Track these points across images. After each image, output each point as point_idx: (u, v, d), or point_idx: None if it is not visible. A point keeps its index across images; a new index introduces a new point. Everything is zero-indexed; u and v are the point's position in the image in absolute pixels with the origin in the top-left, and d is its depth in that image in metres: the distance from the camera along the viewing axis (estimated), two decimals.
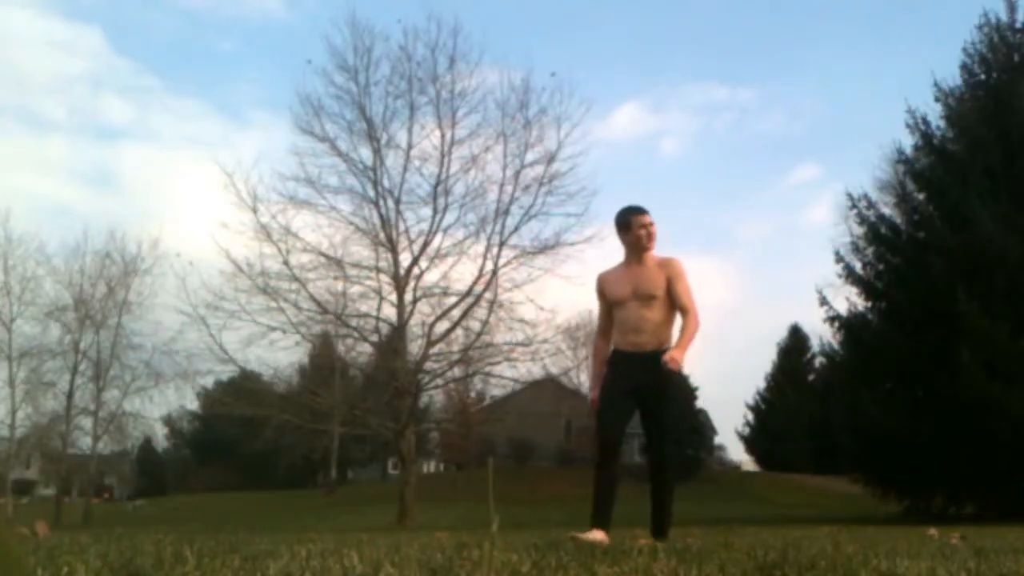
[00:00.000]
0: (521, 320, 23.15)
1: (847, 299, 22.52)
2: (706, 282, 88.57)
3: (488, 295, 23.35)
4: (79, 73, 79.68)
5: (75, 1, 75.34)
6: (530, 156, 23.72)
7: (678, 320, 4.86)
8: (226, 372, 26.46)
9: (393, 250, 23.69)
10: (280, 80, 73.74)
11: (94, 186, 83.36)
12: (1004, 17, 21.06)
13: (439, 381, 26.10)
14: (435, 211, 23.91)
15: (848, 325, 22.09)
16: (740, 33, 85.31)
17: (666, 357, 4.59)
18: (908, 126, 21.64)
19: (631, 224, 4.85)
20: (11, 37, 69.91)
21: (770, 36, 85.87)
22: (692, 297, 4.85)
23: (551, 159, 23.51)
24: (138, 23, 77.34)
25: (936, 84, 21.44)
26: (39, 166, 77.15)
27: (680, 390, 5.02)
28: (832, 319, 22.09)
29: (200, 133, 77.56)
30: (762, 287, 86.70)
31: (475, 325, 23.77)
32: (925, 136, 21.60)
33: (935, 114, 21.76)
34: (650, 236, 4.86)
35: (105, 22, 79.90)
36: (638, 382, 4.72)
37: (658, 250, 4.92)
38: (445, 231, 24.13)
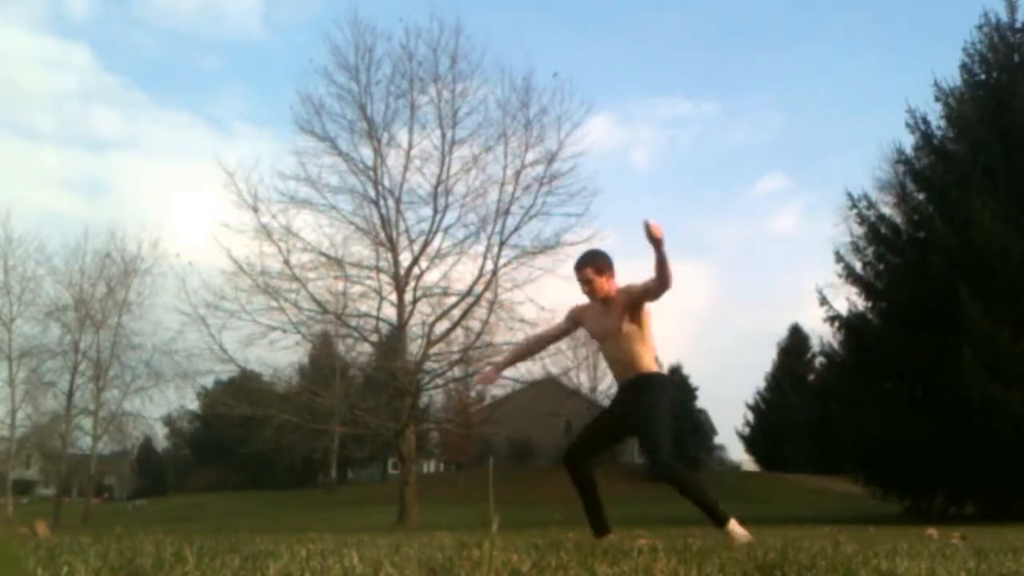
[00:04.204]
0: (521, 320, 23.16)
1: (847, 299, 22.55)
2: (702, 284, 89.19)
3: (488, 295, 23.36)
4: (70, 88, 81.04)
5: (65, 20, 76.71)
6: (531, 156, 23.73)
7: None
8: (226, 372, 26.48)
9: (393, 250, 23.70)
10: (263, 93, 75.26)
11: (87, 196, 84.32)
12: (1004, 17, 21.08)
13: (439, 381, 26.09)
14: (435, 211, 23.94)
15: (848, 325, 22.09)
16: (702, 49, 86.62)
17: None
18: (908, 126, 21.67)
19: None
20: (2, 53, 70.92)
21: (732, 50, 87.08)
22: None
23: (552, 159, 23.53)
24: (124, 42, 79.08)
25: (936, 84, 21.46)
26: (32, 177, 78.23)
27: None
28: (832, 319, 22.10)
29: (190, 144, 78.88)
30: (762, 288, 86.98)
31: (475, 325, 23.78)
32: (925, 136, 21.60)
33: (935, 114, 21.79)
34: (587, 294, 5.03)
35: (93, 40, 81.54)
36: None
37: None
38: (445, 231, 24.16)
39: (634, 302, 4.82)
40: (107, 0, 78.51)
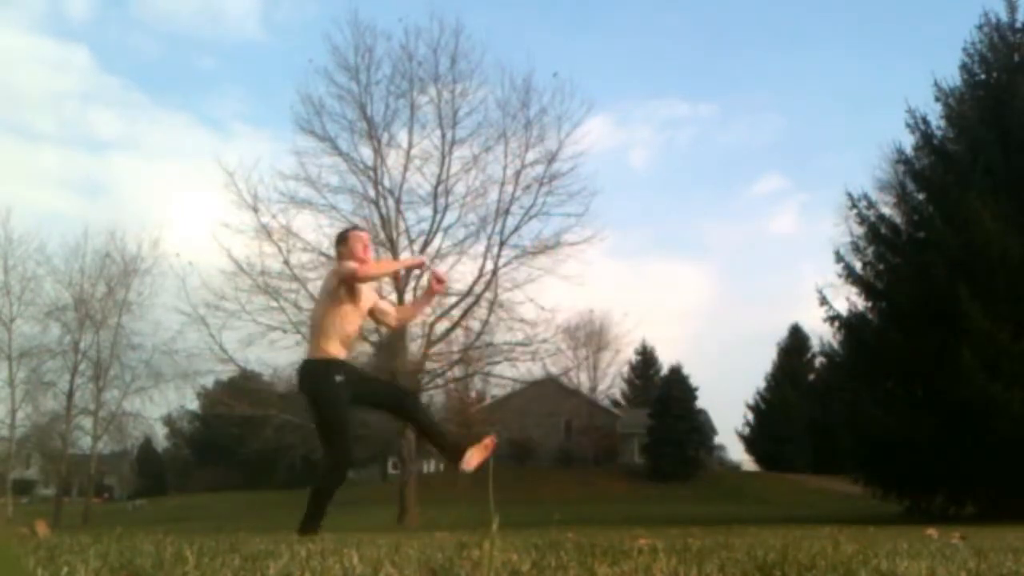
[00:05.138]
0: (521, 320, 23.20)
1: (847, 299, 22.55)
2: (702, 284, 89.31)
3: (488, 295, 23.38)
4: (70, 89, 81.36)
5: (64, 21, 77.09)
6: (531, 156, 23.80)
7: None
8: (226, 372, 26.49)
9: (393, 250, 23.71)
10: (262, 94, 75.58)
11: (86, 196, 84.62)
12: (1004, 17, 21.08)
13: (439, 381, 26.10)
14: (435, 211, 23.98)
15: (848, 325, 22.09)
16: (697, 51, 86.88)
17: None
18: (908, 126, 21.66)
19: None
20: (1, 54, 71.19)
21: (728, 52, 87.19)
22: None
23: (552, 159, 23.57)
24: (123, 43, 79.51)
25: (936, 84, 21.45)
26: (32, 177, 78.52)
27: None
28: (832, 319, 22.09)
29: (189, 144, 79.25)
30: (762, 288, 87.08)
31: (475, 325, 23.83)
32: (925, 136, 21.60)
33: (935, 114, 21.79)
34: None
35: (92, 42, 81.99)
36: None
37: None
38: (445, 231, 24.21)
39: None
40: (106, 2, 78.77)
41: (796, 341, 53.45)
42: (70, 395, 34.82)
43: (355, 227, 5.45)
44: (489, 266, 23.51)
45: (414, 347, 24.17)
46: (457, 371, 25.69)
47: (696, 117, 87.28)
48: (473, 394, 41.79)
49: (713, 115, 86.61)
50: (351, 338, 5.06)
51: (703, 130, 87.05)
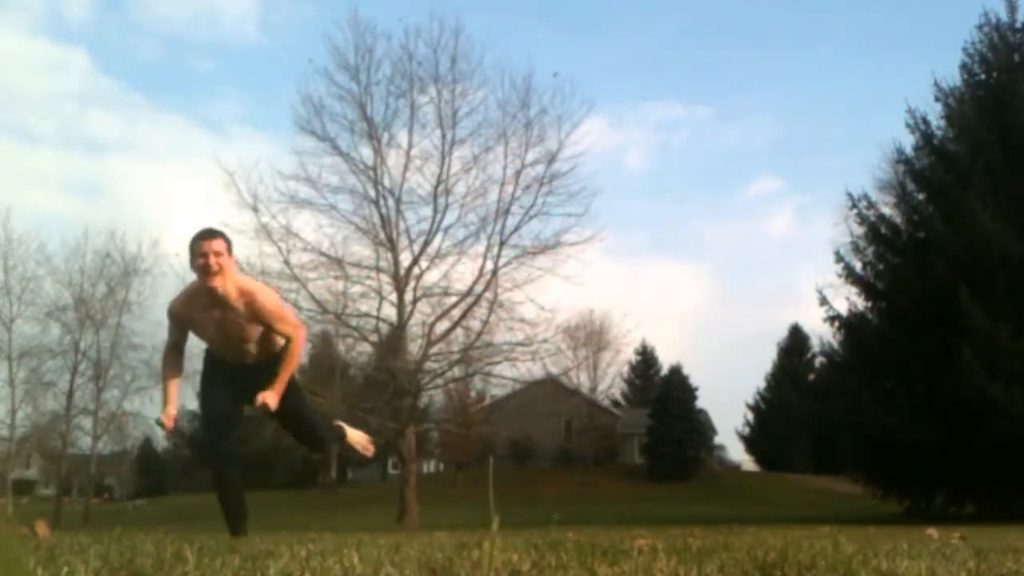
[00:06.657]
0: (521, 320, 23.19)
1: (847, 299, 22.57)
2: (701, 284, 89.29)
3: (488, 295, 23.37)
4: (68, 91, 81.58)
5: (62, 24, 77.30)
6: (531, 156, 23.79)
7: None
8: None
9: (393, 250, 23.71)
10: (259, 96, 75.91)
11: (86, 197, 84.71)
12: (1004, 17, 21.10)
13: (439, 381, 26.10)
14: (435, 211, 23.97)
15: (848, 325, 22.11)
16: (692, 53, 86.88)
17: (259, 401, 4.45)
18: (908, 126, 21.70)
19: (191, 250, 4.42)
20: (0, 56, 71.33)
21: (724, 54, 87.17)
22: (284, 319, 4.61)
23: (552, 159, 23.57)
24: (121, 46, 79.74)
25: (936, 84, 21.47)
26: (31, 179, 78.67)
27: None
28: (832, 319, 22.12)
29: (188, 146, 79.54)
30: (762, 288, 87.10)
31: (475, 325, 23.82)
32: (925, 136, 21.61)
33: (935, 114, 21.81)
34: (206, 268, 4.33)
35: (91, 44, 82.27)
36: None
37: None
38: (446, 231, 24.19)
39: (259, 321, 4.62)
40: (104, 4, 78.87)
41: (796, 341, 53.46)
42: (70, 395, 34.82)
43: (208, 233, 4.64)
44: (489, 266, 23.54)
45: (414, 347, 24.18)
46: (457, 371, 25.68)
47: (692, 119, 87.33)
48: (473, 394, 41.80)
49: (709, 117, 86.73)
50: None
51: (699, 132, 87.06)
